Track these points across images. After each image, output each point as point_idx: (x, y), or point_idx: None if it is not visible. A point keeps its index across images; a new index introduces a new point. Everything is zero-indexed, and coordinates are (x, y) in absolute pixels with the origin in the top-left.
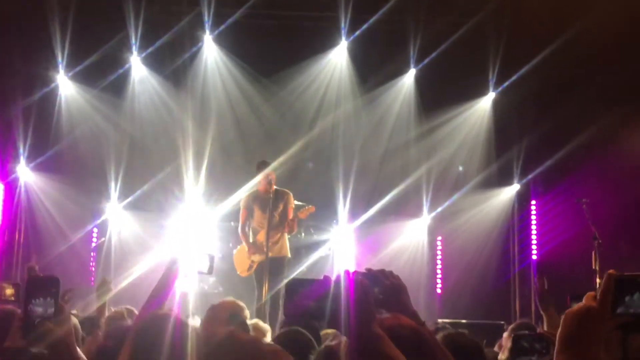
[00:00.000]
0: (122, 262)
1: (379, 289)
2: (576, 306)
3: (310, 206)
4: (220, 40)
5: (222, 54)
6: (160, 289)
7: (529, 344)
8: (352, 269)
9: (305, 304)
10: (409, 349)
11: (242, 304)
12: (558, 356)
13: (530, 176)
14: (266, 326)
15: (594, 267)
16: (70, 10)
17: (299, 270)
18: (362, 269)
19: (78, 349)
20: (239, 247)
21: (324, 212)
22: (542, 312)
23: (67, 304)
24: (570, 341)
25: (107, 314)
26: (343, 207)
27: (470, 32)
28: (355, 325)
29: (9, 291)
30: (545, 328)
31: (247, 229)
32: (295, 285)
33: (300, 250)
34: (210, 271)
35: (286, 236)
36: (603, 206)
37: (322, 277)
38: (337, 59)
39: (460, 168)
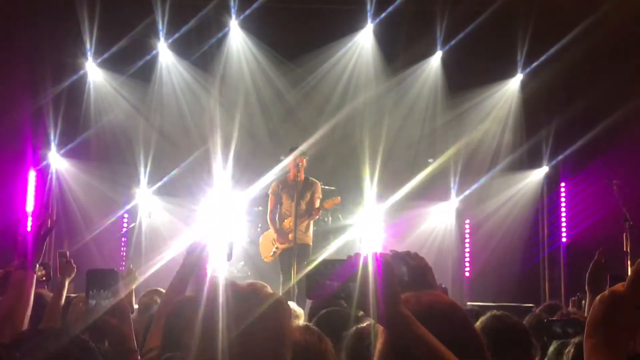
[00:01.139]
0: (153, 247)
1: (405, 270)
2: (605, 292)
3: (336, 197)
4: (246, 25)
5: (247, 39)
6: (185, 273)
7: (561, 328)
8: (378, 251)
9: (330, 284)
10: (447, 325)
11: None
12: (586, 341)
13: (559, 158)
14: (300, 310)
15: (625, 249)
16: None
17: (327, 254)
18: (388, 251)
19: (134, 341)
20: (264, 232)
21: (352, 195)
22: (586, 289)
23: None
24: (598, 326)
25: (134, 300)
26: (370, 191)
27: (498, 12)
28: (383, 307)
29: (40, 272)
30: (585, 309)
31: (275, 215)
32: (317, 267)
33: (328, 235)
34: (229, 258)
35: (312, 224)
36: (634, 187)
37: (347, 258)
38: (363, 41)
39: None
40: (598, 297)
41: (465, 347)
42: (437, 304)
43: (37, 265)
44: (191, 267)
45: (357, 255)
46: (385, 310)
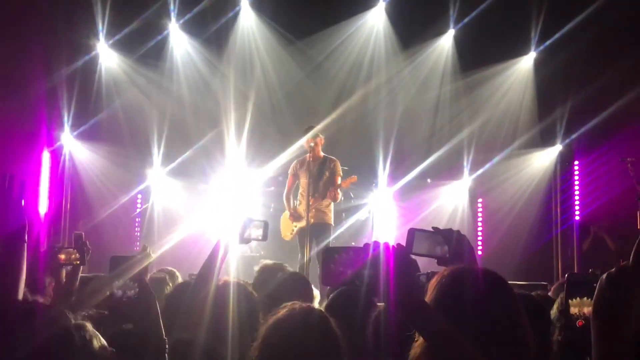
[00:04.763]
0: (165, 227)
1: (447, 248)
2: (612, 270)
3: (352, 176)
4: (256, 4)
5: (259, 19)
6: (214, 260)
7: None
8: (391, 237)
9: (344, 271)
10: (497, 298)
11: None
12: (593, 322)
13: (573, 136)
14: (315, 290)
15: (639, 227)
16: None
17: (338, 233)
18: (430, 228)
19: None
20: (286, 211)
21: (364, 175)
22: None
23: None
24: (605, 305)
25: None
26: (383, 171)
27: None
28: (394, 293)
29: (74, 255)
30: None
31: (291, 195)
32: (331, 253)
33: (340, 214)
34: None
35: (331, 204)
36: None
37: (361, 245)
38: (375, 20)
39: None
40: (604, 276)
41: (508, 320)
42: (494, 277)
43: (69, 249)
44: (220, 255)
45: (369, 243)
46: (397, 296)
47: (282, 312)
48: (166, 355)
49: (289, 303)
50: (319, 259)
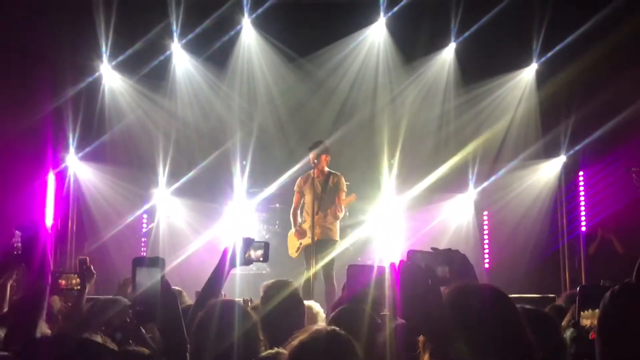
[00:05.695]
0: (171, 246)
1: (447, 268)
2: (616, 286)
3: (352, 195)
4: (258, 22)
5: (260, 37)
6: (217, 278)
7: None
8: (397, 252)
9: (357, 289)
10: (499, 314)
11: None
12: (598, 338)
13: (578, 147)
14: (320, 309)
15: None
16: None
17: (343, 248)
18: (429, 249)
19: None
20: (292, 229)
21: (369, 190)
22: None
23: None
24: (610, 321)
25: None
26: (388, 185)
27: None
28: (402, 309)
29: (75, 280)
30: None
31: (298, 212)
32: (355, 272)
33: (346, 230)
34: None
35: (336, 220)
36: None
37: (369, 261)
38: (376, 35)
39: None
40: (608, 293)
41: (511, 334)
42: (496, 292)
43: (71, 274)
44: (224, 272)
45: (394, 262)
46: (409, 311)
47: (307, 334)
48: (187, 354)
49: (314, 325)
50: (324, 276)
